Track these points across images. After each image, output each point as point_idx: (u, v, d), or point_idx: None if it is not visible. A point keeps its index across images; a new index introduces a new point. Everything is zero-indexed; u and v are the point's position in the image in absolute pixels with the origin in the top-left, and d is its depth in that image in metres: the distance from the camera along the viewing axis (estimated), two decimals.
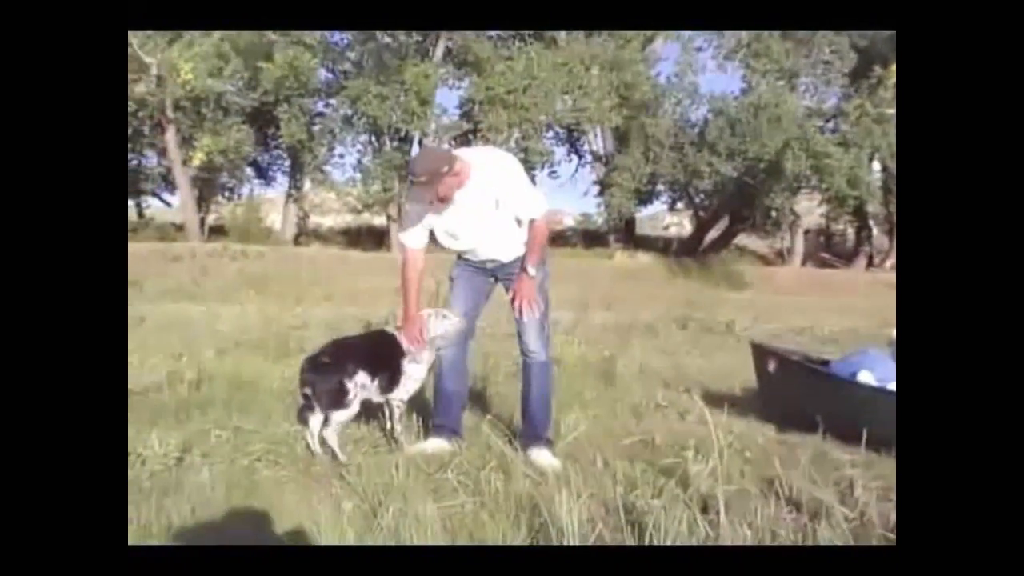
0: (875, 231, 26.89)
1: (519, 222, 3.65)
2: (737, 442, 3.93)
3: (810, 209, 26.68)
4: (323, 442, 3.66)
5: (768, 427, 4.88)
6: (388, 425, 3.88)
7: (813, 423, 4.48)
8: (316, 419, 3.66)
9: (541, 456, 3.64)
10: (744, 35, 23.83)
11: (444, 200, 3.53)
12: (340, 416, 3.64)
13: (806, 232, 27.03)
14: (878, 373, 4.90)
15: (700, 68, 24.73)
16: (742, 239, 27.61)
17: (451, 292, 3.89)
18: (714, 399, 5.39)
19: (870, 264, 25.92)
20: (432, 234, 3.72)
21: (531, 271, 3.70)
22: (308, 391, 3.67)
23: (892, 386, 4.67)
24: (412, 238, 3.75)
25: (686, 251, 24.89)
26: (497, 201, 3.58)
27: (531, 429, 3.78)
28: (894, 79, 22.46)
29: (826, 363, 5.48)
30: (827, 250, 28.04)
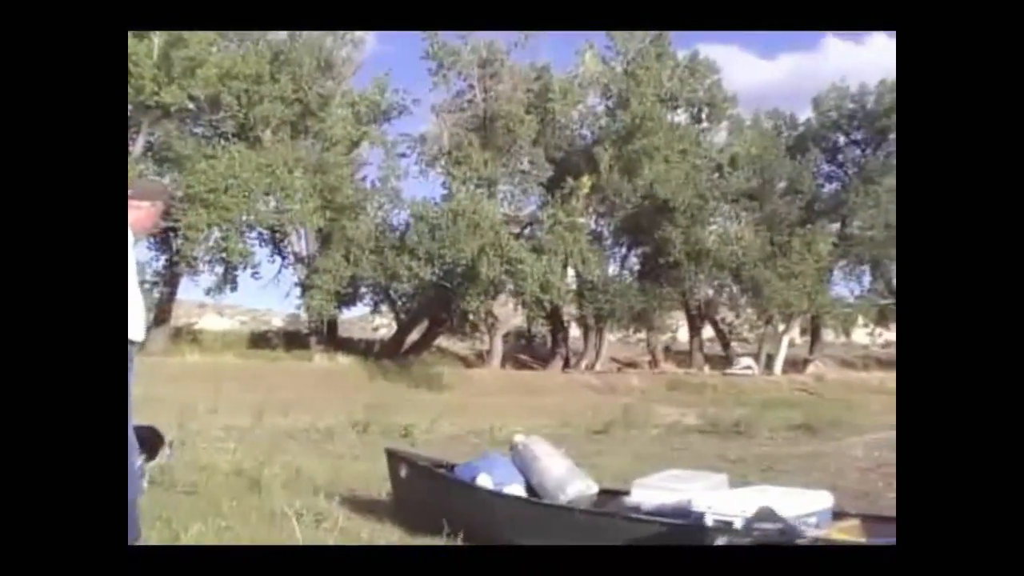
0: (571, 334, 28.60)
1: None
2: None
3: (510, 313, 28.04)
4: None
5: (397, 530, 5.32)
6: None
7: (441, 526, 4.84)
8: None
9: None
10: (446, 142, 25.09)
11: None
12: None
13: (506, 335, 28.36)
14: (496, 476, 5.32)
15: (403, 173, 25.98)
16: (444, 341, 28.49)
17: None
18: (359, 505, 5.62)
19: (566, 365, 27.44)
20: None
21: None
22: None
23: (511, 489, 5.19)
24: None
25: (387, 353, 25.38)
26: None
27: None
28: (585, 190, 24.40)
29: (453, 467, 5.94)
30: (525, 352, 29.49)
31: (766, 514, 4.82)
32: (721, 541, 4.51)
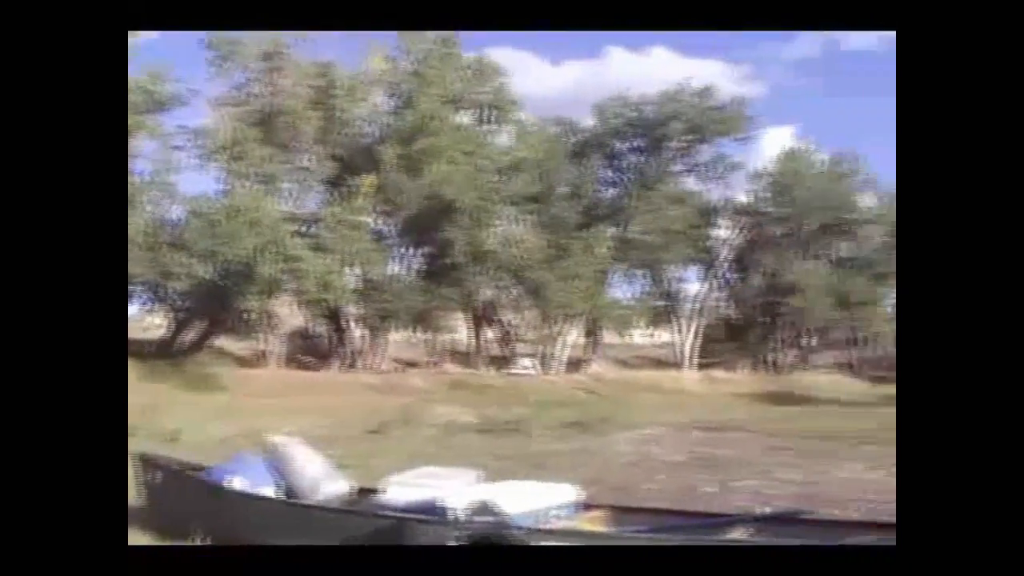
0: (353, 333, 29.47)
1: None
2: None
3: (291, 312, 28.64)
4: None
5: (148, 535, 5.51)
6: None
7: (190, 529, 5.07)
8: None
9: None
10: (225, 136, 25.36)
11: None
12: None
13: (286, 334, 28.97)
14: (250, 478, 5.64)
15: (179, 167, 25.84)
16: (221, 341, 28.79)
17: None
18: None
19: (348, 365, 28.30)
20: None
21: None
22: None
23: (264, 490, 5.53)
24: None
25: (161, 354, 25.46)
26: None
27: None
28: (369, 189, 25.18)
29: (205, 470, 6.20)
30: (306, 352, 30.22)
31: (483, 508, 5.21)
32: (453, 535, 4.80)
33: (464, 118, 30.81)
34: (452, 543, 4.73)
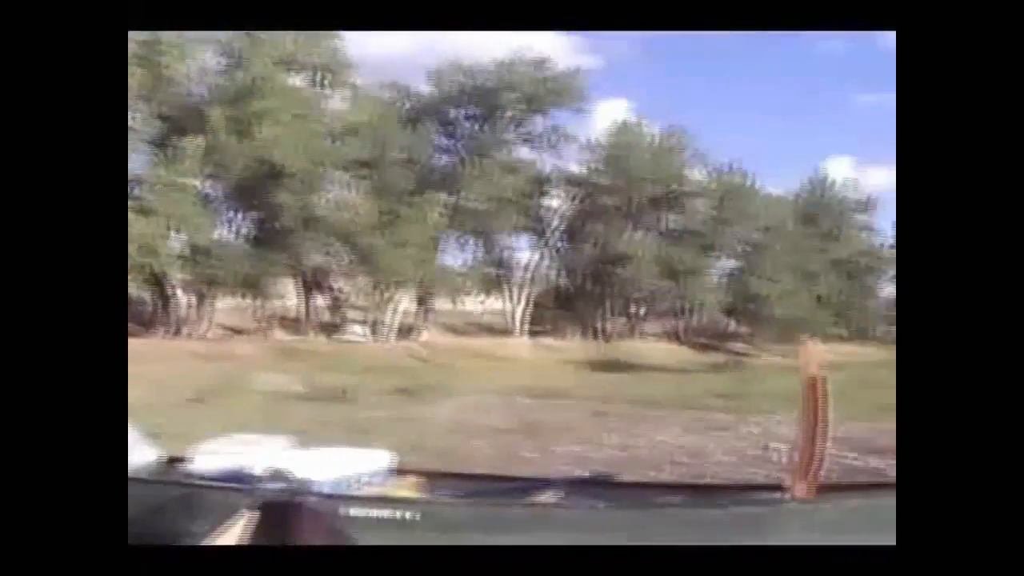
0: (179, 301, 29.16)
1: None
2: None
3: None
4: None
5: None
6: None
7: None
8: None
9: None
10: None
11: None
12: None
13: None
14: None
15: None
16: None
17: None
18: None
19: (172, 332, 27.98)
20: None
21: None
22: None
23: None
24: None
25: None
26: None
27: None
28: (196, 150, 24.80)
29: None
30: (128, 319, 29.78)
31: (277, 474, 5.32)
32: (246, 502, 4.78)
33: (297, 80, 30.72)
34: (244, 510, 4.75)
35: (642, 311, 37.92)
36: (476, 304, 37.61)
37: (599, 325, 36.43)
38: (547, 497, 5.92)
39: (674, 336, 37.49)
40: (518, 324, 35.03)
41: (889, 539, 2.67)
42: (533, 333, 34.92)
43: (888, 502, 4.61)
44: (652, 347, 34.22)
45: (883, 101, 63.22)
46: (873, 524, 4.47)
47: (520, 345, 32.90)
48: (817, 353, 5.40)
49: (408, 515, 5.08)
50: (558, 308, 36.73)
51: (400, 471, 6.10)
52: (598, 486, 6.44)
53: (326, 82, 31.56)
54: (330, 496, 5.30)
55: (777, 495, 5.46)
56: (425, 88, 34.68)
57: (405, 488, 5.89)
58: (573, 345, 33.81)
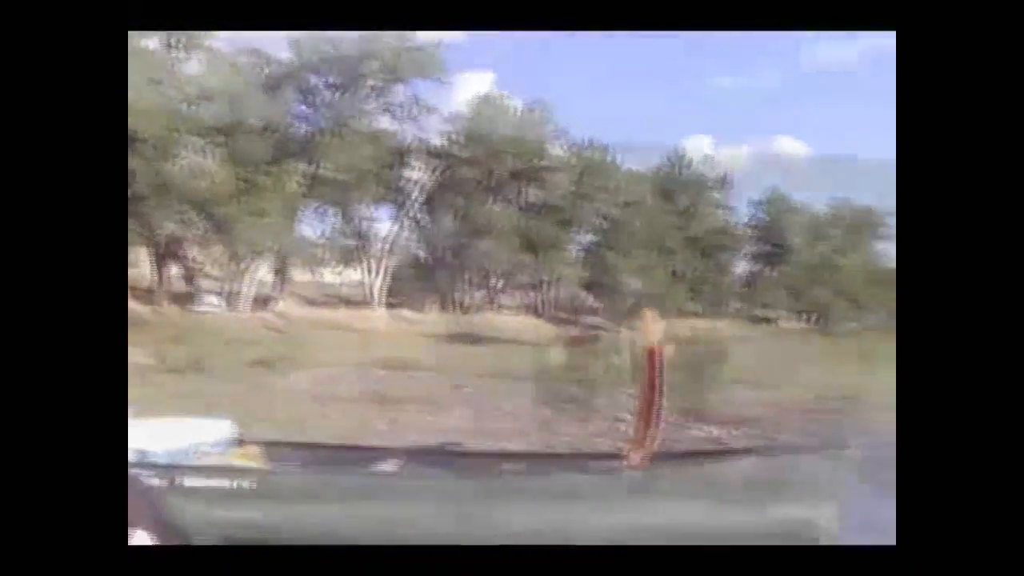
0: None
1: None
2: None
3: None
4: None
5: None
6: None
7: None
8: None
9: None
10: None
11: None
12: None
13: None
14: None
15: None
16: None
17: None
18: None
19: None
20: None
21: None
22: None
23: None
24: None
25: None
26: None
27: None
28: None
29: None
30: None
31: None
32: None
33: (150, 43, 29.40)
34: None
35: (500, 284, 38.34)
36: (334, 275, 37.40)
37: (457, 298, 36.63)
38: (388, 467, 6.03)
39: (532, 310, 38.01)
40: (376, 296, 34.94)
41: (713, 507, 2.82)
42: (391, 305, 34.91)
43: (721, 469, 5.15)
44: (510, 320, 34.68)
45: (739, 84, 65.96)
46: (708, 491, 4.80)
47: (378, 317, 32.92)
48: (656, 324, 5.60)
49: (244, 485, 5.14)
50: (416, 280, 36.79)
51: (241, 441, 6.15)
52: (443, 455, 6.63)
53: (180, 45, 30.62)
54: (167, 467, 5.29)
55: (615, 463, 5.72)
56: (285, 54, 33.99)
57: (245, 457, 5.92)
58: (431, 317, 33.99)
